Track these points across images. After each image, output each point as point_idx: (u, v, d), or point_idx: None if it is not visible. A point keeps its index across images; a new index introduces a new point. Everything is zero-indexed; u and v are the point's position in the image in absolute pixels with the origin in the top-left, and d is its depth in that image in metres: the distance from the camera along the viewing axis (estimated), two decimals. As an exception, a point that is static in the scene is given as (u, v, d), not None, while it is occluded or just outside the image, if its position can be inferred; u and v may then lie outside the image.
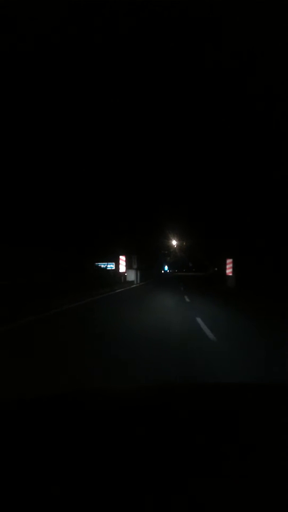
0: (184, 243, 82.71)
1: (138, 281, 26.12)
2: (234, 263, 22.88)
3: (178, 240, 74.63)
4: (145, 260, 42.16)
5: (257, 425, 0.99)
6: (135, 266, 27.01)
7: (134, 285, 23.33)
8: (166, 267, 69.82)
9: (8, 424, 0.97)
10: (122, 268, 23.64)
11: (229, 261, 22.82)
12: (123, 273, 23.85)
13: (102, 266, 21.28)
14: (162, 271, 62.54)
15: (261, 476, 0.72)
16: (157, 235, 51.87)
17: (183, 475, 0.72)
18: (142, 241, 40.30)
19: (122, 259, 23.73)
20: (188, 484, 0.68)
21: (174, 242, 73.12)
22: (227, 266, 22.79)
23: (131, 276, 24.79)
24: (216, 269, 67.95)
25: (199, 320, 7.35)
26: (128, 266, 25.37)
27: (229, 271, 22.70)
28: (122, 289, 18.72)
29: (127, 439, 0.87)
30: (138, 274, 26.69)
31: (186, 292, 17.52)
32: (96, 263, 21.53)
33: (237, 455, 0.80)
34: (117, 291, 17.65)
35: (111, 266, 21.33)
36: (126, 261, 23.64)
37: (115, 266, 22.07)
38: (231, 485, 0.69)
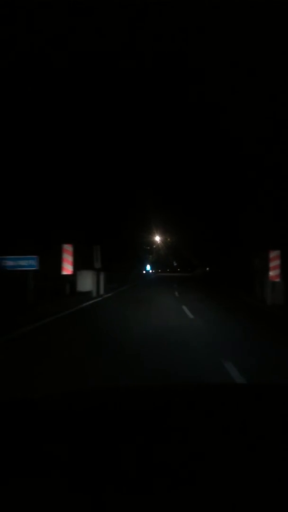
0: (168, 239, 72.01)
1: (102, 291, 14.68)
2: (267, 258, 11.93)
3: (162, 235, 63.52)
4: (120, 257, 31.27)
5: (257, 425, 0.97)
6: (98, 265, 15.60)
7: (89, 302, 11.92)
8: (148, 267, 58.59)
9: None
10: (67, 267, 12.19)
11: (274, 254, 11.74)
12: (69, 276, 12.42)
13: (13, 264, 9.86)
14: (144, 272, 51.32)
15: (261, 476, 0.71)
16: (138, 227, 40.92)
17: (180, 475, 0.71)
18: (116, 230, 29.42)
19: (68, 250, 12.29)
20: (187, 484, 0.67)
21: (157, 238, 61.87)
22: (272, 265, 11.68)
23: (87, 282, 13.30)
24: (207, 268, 57.44)
25: None
26: (82, 264, 14.01)
27: (274, 273, 11.60)
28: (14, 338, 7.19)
29: (124, 439, 0.87)
30: (103, 278, 15.24)
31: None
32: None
33: (237, 455, 0.79)
34: None
35: (26, 263, 9.98)
36: (74, 254, 12.18)
37: (47, 264, 10.72)
38: (230, 485, 0.67)
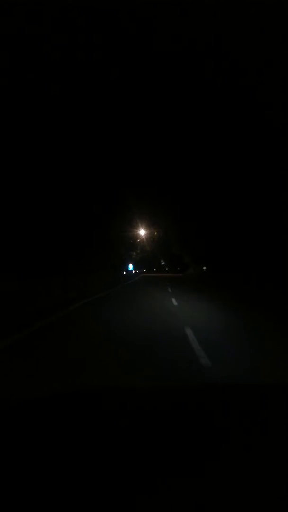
0: (156, 233, 60.42)
1: None
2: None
3: (147, 228, 51.78)
4: (82, 252, 19.92)
5: (258, 425, 0.95)
6: None
7: None
8: (130, 266, 46.94)
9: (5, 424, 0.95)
10: None
11: None
12: None
13: None
14: (124, 272, 39.67)
15: (260, 476, 0.70)
16: (116, 215, 29.46)
17: (179, 474, 0.70)
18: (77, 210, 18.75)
19: None
20: (185, 484, 0.67)
21: (142, 232, 50.11)
22: None
23: None
24: (204, 268, 46.18)
25: None
26: None
27: None
28: None
29: (123, 439, 0.85)
30: None
31: None
32: None
33: (236, 456, 0.78)
34: None
35: None
36: None
37: None
38: (230, 485, 0.67)
